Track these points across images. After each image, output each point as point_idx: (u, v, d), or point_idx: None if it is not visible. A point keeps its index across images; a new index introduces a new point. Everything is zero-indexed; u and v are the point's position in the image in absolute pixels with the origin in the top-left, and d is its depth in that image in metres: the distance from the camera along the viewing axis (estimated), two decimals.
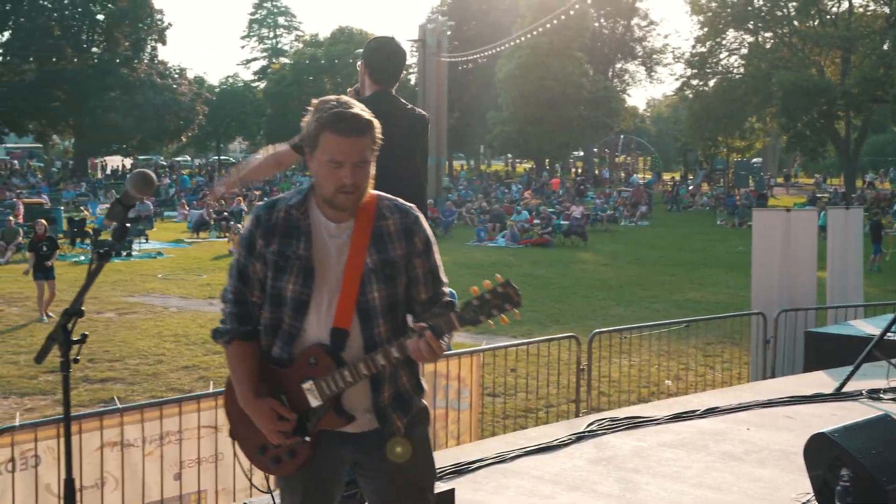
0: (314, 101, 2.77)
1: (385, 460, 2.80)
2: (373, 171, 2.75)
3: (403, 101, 4.21)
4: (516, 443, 5.57)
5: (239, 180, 4.32)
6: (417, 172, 4.24)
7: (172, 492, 6.04)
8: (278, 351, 2.83)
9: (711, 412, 6.31)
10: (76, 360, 2.35)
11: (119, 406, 5.75)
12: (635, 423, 6.00)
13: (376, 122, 2.72)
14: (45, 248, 15.30)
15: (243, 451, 2.95)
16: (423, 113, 4.32)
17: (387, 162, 4.01)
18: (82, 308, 2.38)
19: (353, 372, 2.71)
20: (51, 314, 15.23)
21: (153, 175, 2.63)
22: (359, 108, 2.70)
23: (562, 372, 9.31)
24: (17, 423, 5.42)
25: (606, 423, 5.96)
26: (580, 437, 5.67)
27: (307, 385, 2.76)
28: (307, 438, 2.79)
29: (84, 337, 2.42)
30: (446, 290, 2.90)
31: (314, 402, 2.76)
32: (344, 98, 2.74)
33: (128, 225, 2.45)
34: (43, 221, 16.49)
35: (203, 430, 6.09)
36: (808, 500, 4.52)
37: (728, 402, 6.57)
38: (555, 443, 5.53)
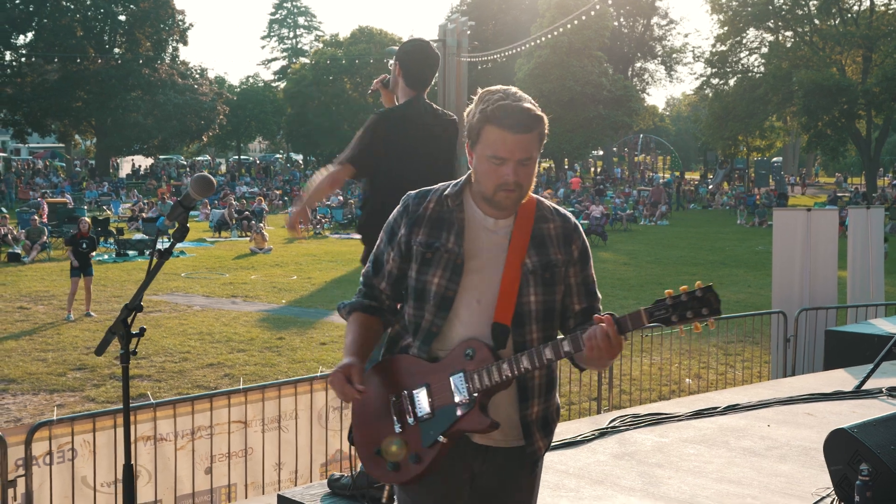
0: (479, 90, 2.58)
1: (507, 487, 2.65)
2: (535, 169, 2.58)
3: (435, 106, 4.26)
4: None
5: (306, 208, 4.24)
6: (449, 178, 4.27)
7: (203, 485, 6.19)
8: (416, 350, 2.63)
9: (732, 409, 6.39)
10: (134, 353, 2.48)
11: (152, 401, 5.90)
12: (657, 420, 6.09)
13: (545, 117, 2.53)
14: (84, 246, 15.57)
15: (359, 453, 2.71)
16: (454, 117, 4.35)
17: (415, 167, 4.11)
18: (142, 303, 2.51)
19: (514, 365, 2.49)
20: (92, 313, 15.44)
21: (212, 178, 2.74)
22: (528, 102, 2.52)
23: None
24: (54, 418, 5.57)
25: (629, 420, 6.06)
26: (603, 433, 5.77)
27: (457, 377, 2.53)
28: (441, 438, 2.52)
29: (142, 330, 2.55)
30: (600, 306, 2.71)
31: (459, 397, 2.53)
32: (512, 89, 2.56)
33: (188, 225, 2.57)
34: (87, 219, 16.78)
35: (234, 426, 6.23)
36: (828, 495, 4.60)
37: (749, 400, 6.65)
38: (579, 438, 5.63)
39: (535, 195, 2.66)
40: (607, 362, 2.49)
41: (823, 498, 4.62)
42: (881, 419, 4.72)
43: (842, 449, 4.49)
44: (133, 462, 2.52)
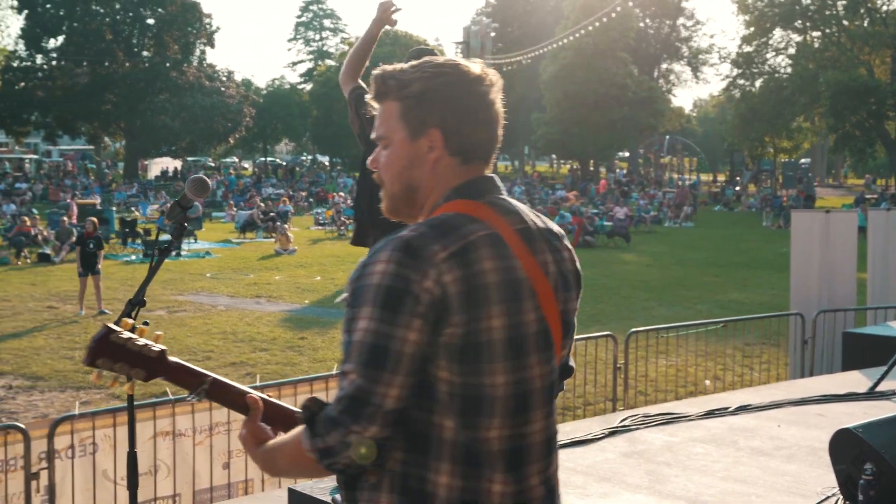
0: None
1: None
2: (400, 159, 1.82)
3: None
4: None
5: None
6: None
7: (221, 480, 6.32)
8: None
9: (743, 409, 6.43)
10: None
11: (171, 397, 6.04)
12: (668, 420, 6.14)
13: (404, 79, 1.79)
14: (91, 246, 15.78)
15: None
16: None
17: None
18: (145, 299, 2.62)
19: None
20: (106, 310, 15.68)
21: (208, 180, 2.85)
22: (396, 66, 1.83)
23: (599, 370, 9.47)
24: (76, 412, 5.72)
25: (640, 419, 6.12)
26: (613, 432, 5.83)
27: None
28: None
29: (146, 325, 2.65)
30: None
31: None
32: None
33: (185, 224, 2.67)
34: (93, 219, 16.93)
35: None
36: (833, 494, 4.65)
37: (761, 400, 6.68)
38: (588, 437, 5.70)
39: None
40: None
41: (828, 497, 4.66)
42: (887, 419, 4.75)
43: (846, 448, 4.53)
44: (136, 450, 2.63)
